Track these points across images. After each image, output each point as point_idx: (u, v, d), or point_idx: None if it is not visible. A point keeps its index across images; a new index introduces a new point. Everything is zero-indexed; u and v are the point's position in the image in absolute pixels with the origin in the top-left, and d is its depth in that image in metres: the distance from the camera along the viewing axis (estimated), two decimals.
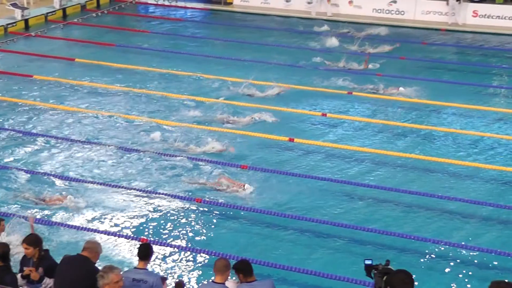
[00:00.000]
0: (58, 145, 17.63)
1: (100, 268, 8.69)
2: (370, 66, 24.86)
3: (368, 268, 6.74)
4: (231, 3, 35.29)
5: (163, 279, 9.42)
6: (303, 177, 15.93)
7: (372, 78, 23.33)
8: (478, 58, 27.24)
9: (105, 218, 14.05)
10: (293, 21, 32.60)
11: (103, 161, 16.76)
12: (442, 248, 13.08)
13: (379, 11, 33.20)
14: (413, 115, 20.60)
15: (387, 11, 33.08)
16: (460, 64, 26.33)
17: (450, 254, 12.94)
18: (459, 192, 15.45)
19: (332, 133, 19.10)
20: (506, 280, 6.22)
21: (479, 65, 26.08)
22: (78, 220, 13.91)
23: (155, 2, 35.57)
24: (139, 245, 9.60)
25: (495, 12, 31.62)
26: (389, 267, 6.66)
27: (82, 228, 13.46)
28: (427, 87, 22.59)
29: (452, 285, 12.08)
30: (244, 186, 15.22)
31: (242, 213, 14.35)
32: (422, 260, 12.76)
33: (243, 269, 8.85)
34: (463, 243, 13.23)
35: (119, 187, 15.36)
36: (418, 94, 21.88)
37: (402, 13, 32.85)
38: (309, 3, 33.82)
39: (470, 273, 12.39)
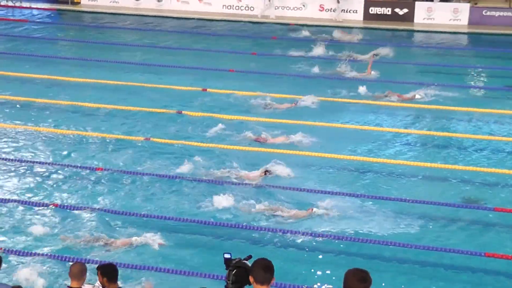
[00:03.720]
0: None
1: None
2: (372, 72, 24.11)
3: (227, 262, 6.71)
4: (78, 3, 34.49)
5: None
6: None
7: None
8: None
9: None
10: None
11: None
12: None
13: (229, 7, 33.43)
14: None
15: (237, 7, 33.36)
16: None
17: None
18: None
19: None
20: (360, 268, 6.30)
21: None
22: None
23: None
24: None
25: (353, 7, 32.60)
26: (244, 261, 6.65)
27: None
28: None
29: None
30: (312, 210, 14.27)
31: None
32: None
33: (108, 273, 8.63)
34: None
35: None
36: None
37: (252, 9, 33.24)
38: (159, 1, 33.69)
39: None
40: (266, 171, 15.75)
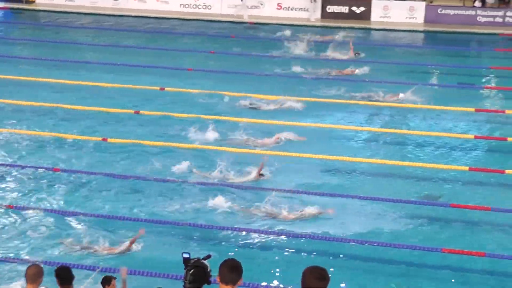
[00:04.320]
0: None
1: None
2: (357, 71, 24.09)
3: (186, 262, 6.69)
4: (33, 2, 34.09)
5: None
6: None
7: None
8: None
9: None
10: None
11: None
12: None
13: (186, 6, 33.33)
14: None
15: (194, 6, 33.28)
16: None
17: None
18: None
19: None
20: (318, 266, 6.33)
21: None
22: None
23: None
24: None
25: (297, 4, 32.74)
26: (202, 261, 6.63)
27: None
28: None
29: None
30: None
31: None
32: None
33: (62, 276, 8.55)
34: None
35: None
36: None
37: (209, 7, 33.19)
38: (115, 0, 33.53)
39: None
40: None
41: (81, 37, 29.20)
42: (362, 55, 25.65)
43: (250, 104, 20.80)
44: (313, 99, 21.12)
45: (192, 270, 6.45)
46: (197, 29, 30.88)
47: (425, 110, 20.56)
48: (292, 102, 20.57)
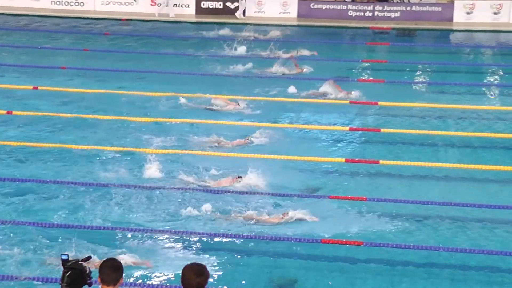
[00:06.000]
0: None
1: None
2: (305, 70, 23.89)
3: (64, 264, 6.56)
4: None
5: None
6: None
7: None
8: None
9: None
10: None
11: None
12: None
13: (58, 3, 32.57)
14: None
15: (66, 3, 32.57)
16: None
17: None
18: None
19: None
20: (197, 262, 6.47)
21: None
22: None
23: None
24: None
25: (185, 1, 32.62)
26: (80, 263, 6.52)
27: None
28: None
29: None
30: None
31: None
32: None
33: None
34: None
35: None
36: None
37: (82, 4, 32.56)
38: None
39: None
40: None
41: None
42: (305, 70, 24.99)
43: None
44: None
45: (68, 272, 6.36)
46: (69, 26, 30.22)
47: (302, 104, 20.83)
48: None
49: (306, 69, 24.10)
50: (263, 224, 13.51)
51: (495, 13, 31.84)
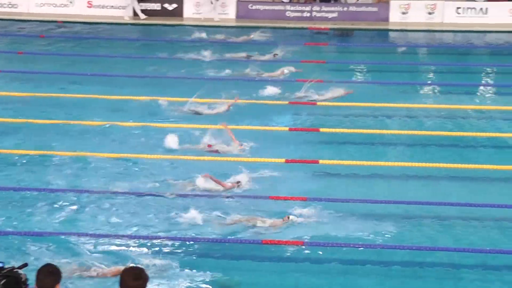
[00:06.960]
0: None
1: None
2: (285, 71, 23.69)
3: None
4: None
5: None
6: None
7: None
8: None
9: None
10: None
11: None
12: None
13: None
14: None
15: None
16: None
17: None
18: None
19: None
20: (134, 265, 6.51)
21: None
22: None
23: None
24: None
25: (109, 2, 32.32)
26: (16, 270, 6.42)
27: None
28: None
29: None
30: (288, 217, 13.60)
31: None
32: None
33: None
34: None
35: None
36: None
37: (16, 6, 32.00)
38: None
39: None
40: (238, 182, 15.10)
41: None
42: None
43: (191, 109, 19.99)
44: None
45: (3, 281, 6.29)
46: (2, 29, 29.65)
47: (243, 106, 20.75)
48: None
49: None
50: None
51: (429, 13, 32.40)
